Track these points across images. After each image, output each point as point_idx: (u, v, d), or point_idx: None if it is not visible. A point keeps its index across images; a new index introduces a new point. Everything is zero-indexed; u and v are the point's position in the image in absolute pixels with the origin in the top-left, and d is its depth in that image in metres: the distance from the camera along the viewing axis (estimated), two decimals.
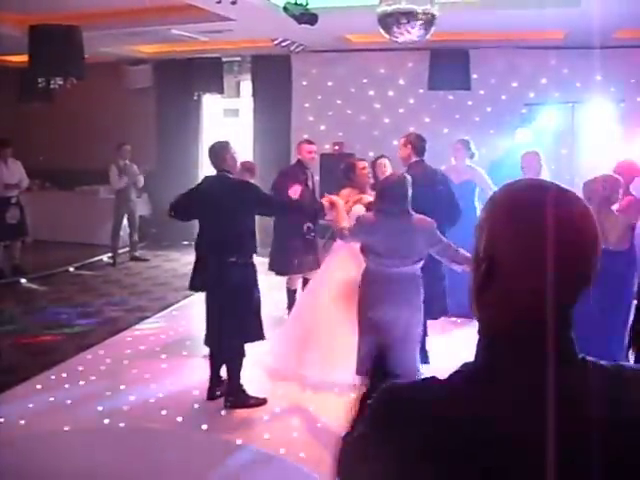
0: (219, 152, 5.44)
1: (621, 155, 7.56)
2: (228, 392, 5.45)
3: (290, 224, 7.06)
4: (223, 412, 5.35)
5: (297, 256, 7.13)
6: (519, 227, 1.13)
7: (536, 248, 1.10)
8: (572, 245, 1.11)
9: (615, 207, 5.36)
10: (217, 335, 5.42)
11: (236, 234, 5.27)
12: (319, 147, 10.79)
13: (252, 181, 6.24)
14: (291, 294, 7.43)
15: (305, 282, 7.29)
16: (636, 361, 1.28)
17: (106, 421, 5.09)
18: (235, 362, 5.43)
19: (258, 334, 5.44)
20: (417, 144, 6.28)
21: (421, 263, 4.74)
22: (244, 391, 5.47)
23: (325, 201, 5.58)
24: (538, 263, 1.10)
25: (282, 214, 5.97)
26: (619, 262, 4.96)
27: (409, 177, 4.77)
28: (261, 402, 5.46)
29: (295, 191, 6.78)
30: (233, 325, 5.28)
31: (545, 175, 6.73)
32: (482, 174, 7.72)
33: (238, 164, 5.68)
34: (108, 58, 11.48)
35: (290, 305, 7.26)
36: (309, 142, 7.68)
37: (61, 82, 7.79)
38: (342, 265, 5.96)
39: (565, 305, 1.15)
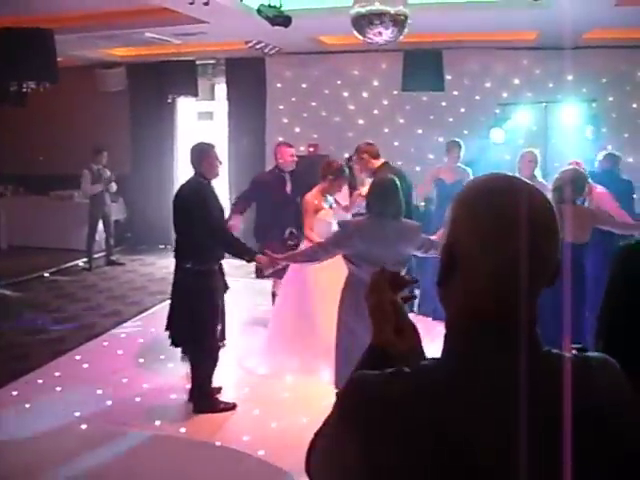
0: (197, 155, 5.39)
1: (588, 154, 7.70)
2: (193, 396, 5.44)
3: (271, 228, 6.97)
4: (202, 414, 5.36)
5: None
6: (478, 215, 1.15)
7: (495, 238, 1.12)
8: (531, 235, 1.12)
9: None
10: (183, 338, 5.41)
11: (190, 241, 5.23)
12: (294, 149, 10.84)
13: None
14: (275, 298, 7.39)
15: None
16: (604, 351, 1.30)
17: (84, 426, 5.07)
18: (198, 367, 5.39)
19: (210, 341, 5.33)
20: (371, 150, 6.35)
21: (407, 266, 4.68)
22: (211, 396, 5.44)
23: (262, 259, 5.37)
24: (498, 254, 1.12)
25: (219, 246, 5.47)
26: (579, 256, 5.03)
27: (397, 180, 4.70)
28: (230, 407, 5.44)
29: (234, 226, 6.50)
30: (189, 331, 5.24)
31: (538, 174, 6.77)
32: (470, 174, 7.81)
33: (217, 169, 5.49)
34: (81, 61, 11.43)
35: None
36: (289, 145, 7.59)
37: (34, 86, 7.72)
38: (321, 265, 5.95)
39: (529, 294, 1.15)
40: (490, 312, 1.15)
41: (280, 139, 10.92)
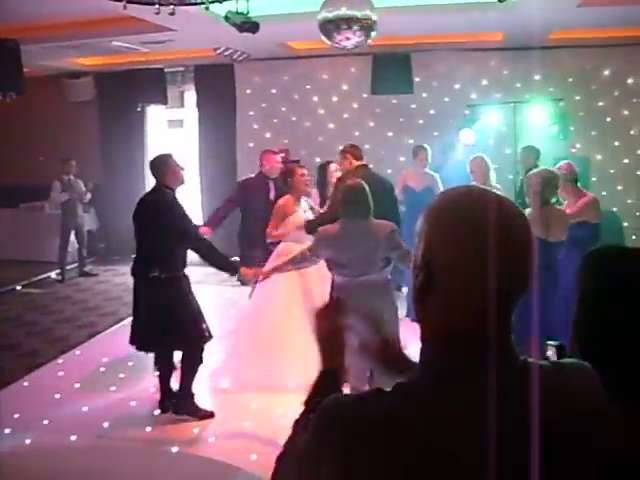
0: (159, 167, 5.42)
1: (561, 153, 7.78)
2: (177, 397, 5.46)
3: (255, 235, 6.90)
4: (175, 425, 5.34)
5: (257, 267, 6.98)
6: (454, 232, 1.15)
7: (472, 252, 1.12)
8: (507, 248, 1.13)
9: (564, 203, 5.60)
10: (154, 346, 5.45)
11: (156, 250, 5.24)
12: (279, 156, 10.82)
13: None
14: None
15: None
16: (581, 357, 1.31)
17: (58, 438, 5.02)
18: (188, 369, 5.41)
19: (187, 342, 5.38)
20: (354, 152, 6.36)
21: (389, 268, 4.64)
22: (193, 402, 5.46)
23: (246, 273, 5.53)
24: (474, 267, 1.12)
25: (196, 252, 5.48)
26: (558, 253, 5.12)
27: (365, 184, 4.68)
28: (209, 415, 5.44)
29: (205, 231, 6.52)
30: (164, 337, 5.24)
31: (492, 177, 6.86)
32: (438, 180, 7.84)
33: (181, 176, 5.52)
34: (48, 71, 11.34)
35: None
36: (275, 152, 7.71)
37: (0, 97, 7.65)
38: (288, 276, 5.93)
39: (505, 308, 1.16)
40: (468, 327, 1.15)
41: (250, 145, 10.97)
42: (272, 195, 7.40)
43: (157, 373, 5.64)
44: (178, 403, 5.45)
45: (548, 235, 5.01)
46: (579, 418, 1.15)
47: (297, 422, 1.51)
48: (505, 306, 1.16)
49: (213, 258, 5.47)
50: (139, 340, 5.45)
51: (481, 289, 1.12)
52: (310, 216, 6.35)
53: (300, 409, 1.55)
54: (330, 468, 1.10)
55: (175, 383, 5.52)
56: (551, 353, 5.21)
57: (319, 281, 5.67)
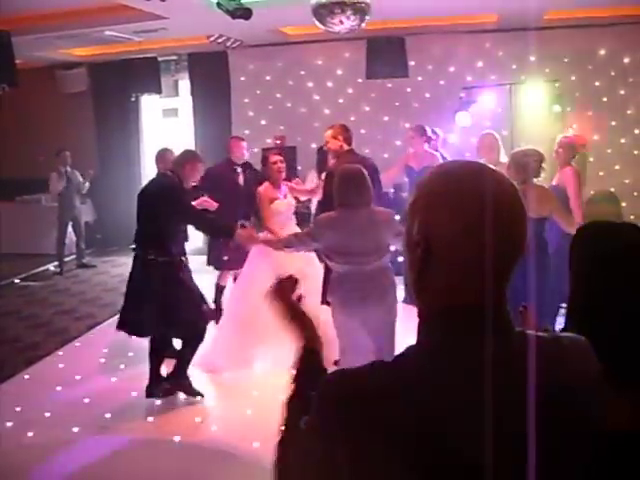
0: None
1: (560, 132, 7.75)
2: (170, 380, 5.55)
3: (224, 221, 6.91)
4: (177, 414, 5.39)
5: (227, 252, 6.98)
6: (450, 205, 1.15)
7: (468, 224, 1.12)
8: (505, 221, 1.14)
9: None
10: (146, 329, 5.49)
11: (156, 233, 5.32)
12: (261, 141, 10.80)
13: None
14: (218, 290, 7.37)
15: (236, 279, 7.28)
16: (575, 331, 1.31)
17: (60, 431, 5.01)
18: (188, 351, 5.52)
19: (176, 329, 5.50)
20: (346, 135, 6.33)
21: (389, 255, 4.57)
22: (189, 382, 5.58)
23: (241, 234, 5.55)
24: (472, 239, 1.12)
25: (196, 227, 5.76)
26: (540, 229, 5.17)
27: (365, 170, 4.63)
28: (198, 393, 5.57)
29: (200, 203, 6.52)
30: (158, 320, 5.29)
31: (502, 155, 6.80)
32: (439, 160, 7.79)
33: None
34: (41, 63, 11.28)
35: (216, 300, 7.24)
36: (241, 138, 7.68)
37: None
38: (273, 255, 5.94)
39: (502, 279, 1.17)
40: (466, 299, 1.15)
41: (246, 132, 10.92)
42: (241, 181, 7.41)
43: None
44: (173, 384, 5.53)
45: (529, 211, 5.00)
46: (575, 388, 1.16)
47: (287, 403, 1.52)
48: (502, 276, 1.17)
49: (210, 226, 5.76)
50: (131, 324, 5.47)
51: (478, 260, 1.12)
52: (292, 201, 6.42)
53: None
54: (337, 444, 1.10)
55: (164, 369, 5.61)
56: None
57: (306, 268, 5.72)
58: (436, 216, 1.16)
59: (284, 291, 1.82)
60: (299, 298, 1.83)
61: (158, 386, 5.53)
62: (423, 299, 1.22)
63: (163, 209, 5.30)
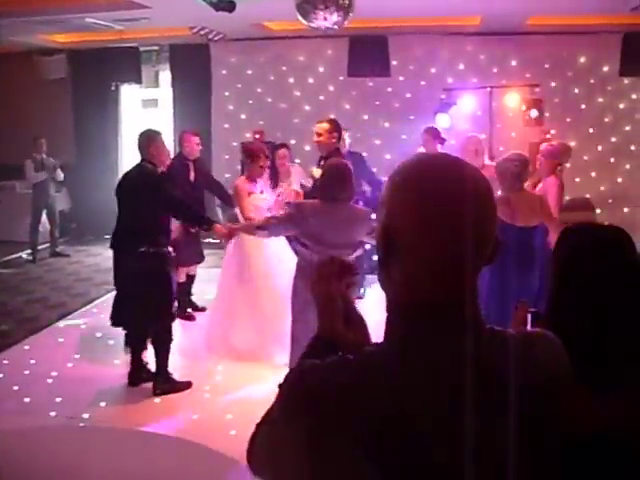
0: (143, 142, 5.48)
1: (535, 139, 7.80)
2: (155, 380, 5.50)
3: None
4: (152, 400, 5.39)
5: (180, 249, 6.66)
6: (413, 198, 1.13)
7: (431, 218, 1.11)
8: (470, 213, 1.10)
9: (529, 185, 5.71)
10: (131, 324, 5.51)
11: (144, 224, 5.29)
12: (240, 136, 10.77)
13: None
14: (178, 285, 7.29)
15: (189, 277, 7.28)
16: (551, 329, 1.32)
17: (27, 419, 4.96)
18: (162, 349, 5.48)
19: (166, 319, 5.49)
20: (340, 132, 6.31)
21: (359, 251, 4.67)
22: (171, 377, 5.54)
23: (219, 229, 5.60)
24: (435, 234, 1.11)
25: (174, 215, 5.78)
26: (529, 238, 5.10)
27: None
28: (188, 385, 5.57)
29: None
30: (146, 311, 5.29)
31: (485, 158, 6.81)
32: None
33: (165, 156, 5.67)
34: (20, 48, 11.13)
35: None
36: (195, 133, 7.53)
37: None
38: (257, 245, 5.95)
39: (468, 274, 1.14)
40: (430, 294, 1.13)
41: (225, 126, 10.89)
42: (192, 177, 7.32)
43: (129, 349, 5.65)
44: (157, 385, 5.48)
45: (514, 220, 4.98)
46: (543, 386, 1.16)
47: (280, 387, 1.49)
48: (468, 272, 1.14)
49: (188, 215, 5.82)
50: (114, 315, 5.52)
51: (443, 256, 1.11)
52: (268, 197, 6.30)
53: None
54: (297, 436, 1.09)
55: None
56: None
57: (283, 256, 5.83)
58: (396, 209, 1.15)
59: (331, 279, 1.52)
60: (348, 285, 1.56)
61: (140, 374, 5.55)
62: (387, 292, 1.21)
63: (150, 199, 5.28)
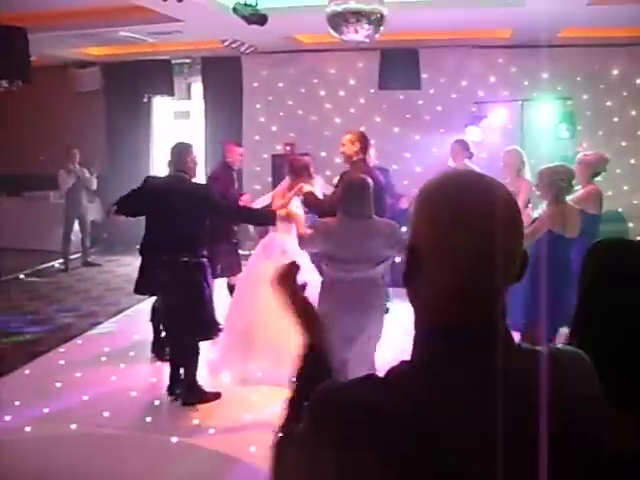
0: (181, 153, 5.53)
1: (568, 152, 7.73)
2: (185, 390, 5.51)
3: (214, 227, 6.81)
4: (176, 415, 5.38)
5: (220, 261, 6.80)
6: (437, 216, 1.13)
7: (456, 237, 1.10)
8: (492, 231, 1.09)
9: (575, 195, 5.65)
10: (172, 335, 5.55)
11: (189, 235, 5.32)
12: (271, 147, 10.83)
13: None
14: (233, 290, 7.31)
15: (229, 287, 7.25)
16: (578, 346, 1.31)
17: (58, 427, 5.01)
18: (191, 360, 5.49)
19: (210, 331, 5.57)
20: (365, 143, 6.29)
21: (382, 266, 4.56)
22: (200, 387, 5.55)
23: (282, 212, 5.66)
24: (459, 252, 1.10)
25: (233, 221, 5.89)
26: (571, 248, 5.08)
27: (371, 181, 4.62)
28: (217, 396, 5.58)
29: (246, 200, 6.61)
30: (186, 324, 5.32)
31: (527, 171, 6.77)
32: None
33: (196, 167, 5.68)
34: (55, 61, 11.33)
35: None
36: (238, 144, 7.60)
37: (6, 85, 7.63)
38: (275, 259, 5.92)
39: (494, 293, 1.13)
40: (457, 313, 1.13)
41: (256, 138, 10.95)
42: (236, 186, 7.44)
43: (166, 358, 5.77)
44: (187, 394, 5.50)
45: (565, 231, 5.00)
46: (574, 404, 1.15)
47: (289, 403, 1.51)
48: (495, 289, 1.13)
49: (256, 217, 6.03)
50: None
51: (470, 275, 1.11)
52: (300, 211, 6.18)
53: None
54: (326, 454, 1.08)
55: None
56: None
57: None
58: (421, 227, 1.15)
59: (287, 277, 1.74)
60: (303, 286, 1.75)
61: (178, 386, 5.58)
62: (415, 307, 1.21)
63: (201, 209, 5.37)
